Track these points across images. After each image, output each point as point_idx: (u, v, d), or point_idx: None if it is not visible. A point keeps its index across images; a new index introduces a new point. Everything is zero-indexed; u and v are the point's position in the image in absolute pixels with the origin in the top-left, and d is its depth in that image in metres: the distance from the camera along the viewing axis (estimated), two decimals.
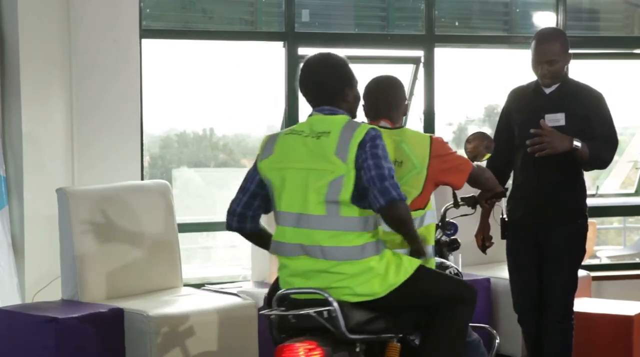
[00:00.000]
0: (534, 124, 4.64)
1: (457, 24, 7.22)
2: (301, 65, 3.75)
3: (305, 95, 3.72)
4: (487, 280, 5.82)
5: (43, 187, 5.49)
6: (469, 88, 7.68)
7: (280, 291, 3.59)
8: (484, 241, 4.96)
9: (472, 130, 8.42)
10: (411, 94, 6.80)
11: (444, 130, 7.79)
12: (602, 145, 4.67)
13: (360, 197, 3.51)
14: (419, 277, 3.59)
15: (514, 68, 7.49)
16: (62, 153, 5.73)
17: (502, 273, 6.03)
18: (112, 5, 5.87)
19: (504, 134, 4.89)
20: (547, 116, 4.67)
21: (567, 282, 4.75)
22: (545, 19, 7.24)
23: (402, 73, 6.76)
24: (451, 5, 7.09)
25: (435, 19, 6.79)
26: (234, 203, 3.78)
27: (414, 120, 6.79)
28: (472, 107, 8.22)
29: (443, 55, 6.86)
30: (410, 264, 3.60)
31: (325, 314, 3.46)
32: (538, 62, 4.69)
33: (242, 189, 3.77)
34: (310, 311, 3.45)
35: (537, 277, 4.81)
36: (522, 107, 4.82)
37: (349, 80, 3.69)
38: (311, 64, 3.70)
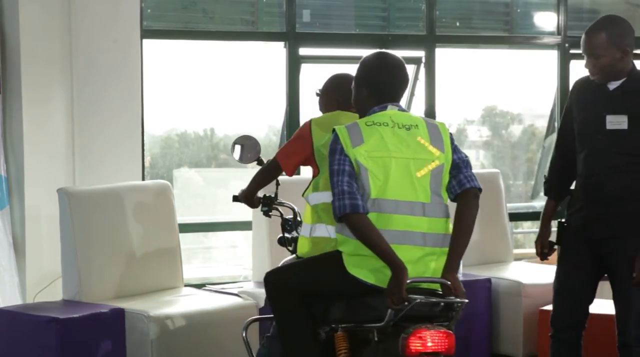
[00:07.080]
0: (594, 125, 4.25)
1: (458, 24, 7.23)
2: (380, 61, 3.74)
3: (387, 89, 3.72)
4: (488, 280, 5.82)
5: (44, 187, 5.49)
6: (470, 88, 7.68)
7: (413, 279, 3.46)
8: (542, 248, 4.51)
9: (471, 131, 8.44)
10: (412, 94, 6.81)
11: None
12: None
13: None
14: None
15: (514, 68, 7.50)
16: (63, 153, 5.74)
17: (502, 273, 6.03)
18: (113, 5, 5.87)
19: (569, 132, 4.41)
20: (609, 118, 4.22)
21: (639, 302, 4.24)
22: (546, 19, 7.24)
23: None
24: (452, 6, 7.10)
25: (436, 19, 6.79)
26: (337, 186, 3.53)
27: None
28: (473, 107, 8.22)
29: (444, 55, 6.87)
30: None
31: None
32: (585, 56, 4.25)
33: (338, 172, 3.56)
34: (456, 300, 3.45)
35: (589, 294, 4.40)
36: (583, 104, 4.34)
37: None
38: (397, 63, 3.75)
